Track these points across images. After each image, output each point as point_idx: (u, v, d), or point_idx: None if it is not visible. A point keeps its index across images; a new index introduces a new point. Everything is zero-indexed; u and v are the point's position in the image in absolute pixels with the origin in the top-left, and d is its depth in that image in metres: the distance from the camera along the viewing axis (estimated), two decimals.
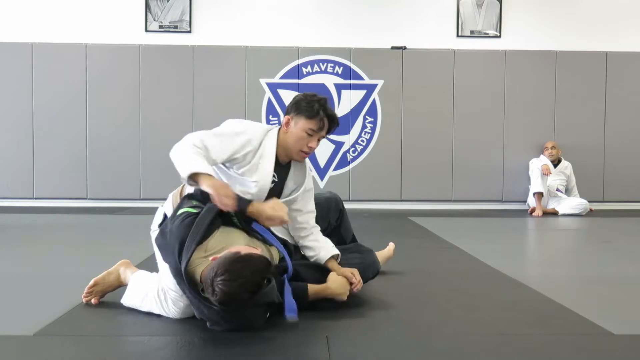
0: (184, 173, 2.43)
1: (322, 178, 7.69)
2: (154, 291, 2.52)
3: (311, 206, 2.84)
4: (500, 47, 7.81)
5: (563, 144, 7.63)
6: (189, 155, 2.48)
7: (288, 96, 7.67)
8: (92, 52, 7.58)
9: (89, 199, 7.60)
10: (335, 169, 7.70)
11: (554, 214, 7.18)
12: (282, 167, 2.75)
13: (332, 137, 7.68)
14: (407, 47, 7.75)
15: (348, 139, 7.70)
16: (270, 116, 7.67)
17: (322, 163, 7.69)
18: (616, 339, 2.27)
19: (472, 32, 7.87)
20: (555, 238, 5.55)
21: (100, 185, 7.60)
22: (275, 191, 2.73)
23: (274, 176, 2.70)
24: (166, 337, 2.28)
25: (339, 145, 7.70)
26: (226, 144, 2.59)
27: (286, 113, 2.74)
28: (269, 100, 7.67)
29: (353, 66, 7.72)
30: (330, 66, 7.71)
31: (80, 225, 5.87)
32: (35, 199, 7.58)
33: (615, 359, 2.11)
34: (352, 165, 7.71)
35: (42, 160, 7.57)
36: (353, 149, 7.70)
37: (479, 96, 7.76)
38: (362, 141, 7.71)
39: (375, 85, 7.72)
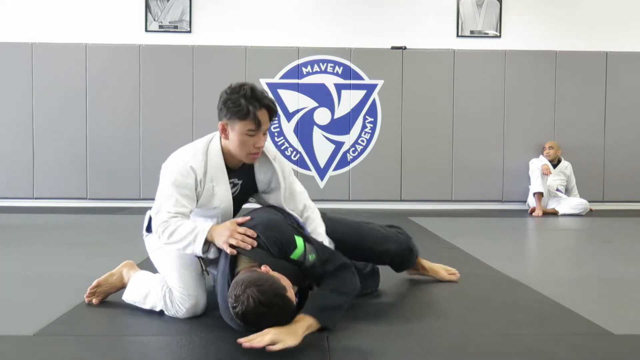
0: (198, 249, 2.37)
1: (322, 178, 7.69)
2: (158, 288, 2.52)
3: (296, 187, 2.68)
4: (500, 47, 7.81)
5: (563, 144, 7.63)
6: (181, 231, 2.38)
7: (288, 96, 7.67)
8: (92, 52, 7.58)
9: (89, 199, 7.60)
10: (335, 169, 7.70)
11: (554, 214, 7.18)
12: (240, 168, 2.58)
13: (332, 137, 7.68)
14: (407, 47, 7.75)
15: (348, 139, 7.70)
16: None
17: (322, 163, 7.69)
18: (616, 339, 2.27)
19: (472, 32, 7.86)
20: (555, 238, 5.55)
21: (100, 185, 7.60)
22: (248, 191, 2.64)
23: (234, 182, 2.56)
24: (167, 337, 2.28)
25: (339, 145, 7.70)
26: (186, 191, 2.44)
27: (219, 118, 2.48)
28: None
29: (353, 66, 7.72)
30: (330, 66, 7.71)
31: (80, 225, 5.87)
32: (35, 199, 7.58)
33: (615, 359, 2.11)
34: (352, 165, 7.71)
35: (42, 160, 7.57)
36: (353, 149, 7.70)
37: (479, 96, 7.76)
38: (362, 141, 7.70)
39: (375, 85, 7.72)
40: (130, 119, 7.60)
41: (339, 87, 7.70)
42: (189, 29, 7.72)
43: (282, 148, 7.67)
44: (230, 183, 2.54)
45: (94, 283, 2.73)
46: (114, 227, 5.76)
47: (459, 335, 2.28)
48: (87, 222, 6.07)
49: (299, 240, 2.28)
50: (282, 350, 2.03)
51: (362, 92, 7.72)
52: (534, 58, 7.79)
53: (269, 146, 2.59)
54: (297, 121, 7.68)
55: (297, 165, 7.67)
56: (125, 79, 7.59)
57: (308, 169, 7.68)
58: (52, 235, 5.17)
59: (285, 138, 7.67)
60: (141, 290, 2.59)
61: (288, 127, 7.67)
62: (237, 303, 2.01)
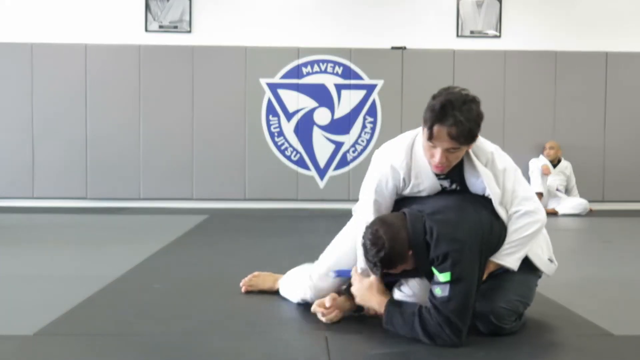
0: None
1: (322, 178, 7.69)
2: (305, 277, 2.61)
3: (518, 193, 2.31)
4: (500, 47, 7.81)
5: (563, 144, 7.63)
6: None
7: (288, 96, 7.67)
8: (92, 52, 7.58)
9: (88, 199, 7.60)
10: (336, 168, 7.70)
11: (554, 214, 7.17)
12: (453, 169, 2.31)
13: (332, 137, 7.68)
14: (407, 47, 7.74)
15: (348, 139, 7.70)
16: (270, 116, 7.67)
17: (322, 163, 7.69)
18: (616, 340, 2.27)
19: (472, 32, 7.86)
20: (555, 238, 5.51)
21: (100, 185, 7.60)
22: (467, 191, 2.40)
23: (446, 184, 2.36)
24: (167, 336, 2.28)
25: (339, 145, 7.70)
26: (385, 192, 2.37)
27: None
28: (269, 101, 7.67)
29: (353, 66, 7.72)
30: (330, 66, 7.70)
31: (80, 225, 5.86)
32: (35, 198, 7.57)
33: (615, 359, 2.11)
34: (352, 165, 7.70)
35: (42, 160, 7.57)
36: (353, 149, 7.70)
37: (479, 96, 7.72)
38: (362, 141, 7.70)
39: (375, 86, 7.72)
40: (130, 119, 7.59)
41: (339, 87, 7.70)
42: (189, 29, 7.72)
43: (282, 148, 7.67)
44: (443, 180, 2.35)
45: (255, 272, 2.90)
46: (114, 227, 5.76)
47: None
48: (87, 222, 6.07)
49: (446, 276, 2.13)
50: (283, 346, 2.02)
51: (362, 92, 7.72)
52: (534, 58, 7.79)
53: (484, 147, 2.32)
54: (297, 121, 7.68)
55: (297, 165, 7.67)
56: (125, 79, 7.58)
57: (308, 169, 7.68)
58: (52, 235, 5.17)
59: (285, 138, 7.67)
60: (290, 283, 2.69)
61: (288, 127, 7.67)
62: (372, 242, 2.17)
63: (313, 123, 7.69)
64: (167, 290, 3.04)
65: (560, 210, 7.17)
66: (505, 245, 2.25)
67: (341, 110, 7.69)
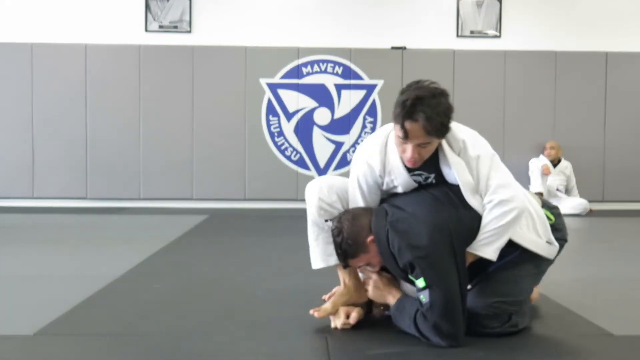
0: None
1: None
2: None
3: (492, 182, 2.25)
4: (500, 47, 7.81)
5: (563, 144, 7.62)
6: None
7: (288, 96, 7.67)
8: (92, 52, 7.58)
9: (89, 199, 7.60)
10: (336, 168, 7.70)
11: None
12: (426, 162, 2.29)
13: (332, 137, 7.68)
14: (407, 47, 7.74)
15: (348, 139, 7.70)
16: (270, 116, 7.67)
17: (322, 163, 7.69)
18: (616, 339, 2.27)
19: (472, 32, 7.86)
20: None
21: (100, 185, 7.60)
22: (444, 182, 2.36)
23: (423, 175, 2.33)
24: (167, 336, 2.28)
25: (339, 145, 7.70)
26: (365, 188, 2.38)
27: None
28: (269, 101, 7.67)
29: (353, 66, 7.72)
30: (330, 66, 7.70)
31: (80, 225, 5.87)
32: (35, 198, 7.57)
33: (615, 359, 2.11)
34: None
35: (42, 160, 7.57)
36: (353, 149, 7.69)
37: (479, 96, 7.76)
38: (362, 141, 7.69)
39: (375, 86, 7.72)
40: (130, 119, 7.59)
41: (339, 87, 7.70)
42: (189, 29, 7.72)
43: (282, 148, 7.67)
44: (417, 175, 2.33)
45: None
46: (114, 227, 5.76)
47: None
48: (87, 222, 6.08)
49: (421, 282, 2.14)
50: (283, 346, 2.02)
51: (362, 92, 7.72)
52: (534, 58, 7.78)
53: (456, 135, 2.27)
54: (297, 121, 7.68)
55: (297, 165, 7.67)
56: (125, 79, 7.58)
57: (308, 169, 7.68)
58: (52, 235, 5.17)
59: (285, 138, 7.67)
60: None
61: (288, 127, 7.67)
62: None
63: (313, 123, 7.69)
64: (167, 290, 3.04)
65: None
66: (481, 236, 2.21)
67: (341, 110, 7.69)
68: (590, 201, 7.30)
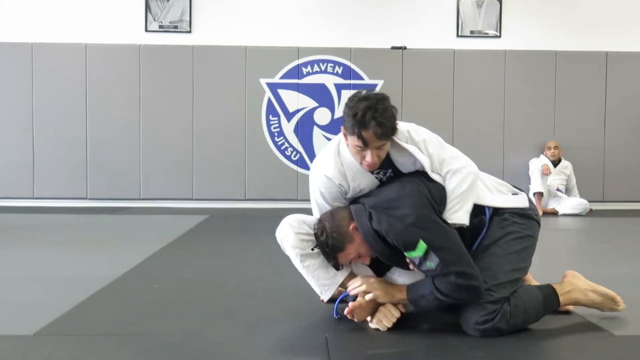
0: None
1: None
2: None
3: (445, 156, 2.46)
4: (500, 47, 7.81)
5: (563, 144, 7.62)
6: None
7: (288, 96, 7.67)
8: (92, 52, 7.58)
9: (89, 199, 7.60)
10: None
11: (554, 214, 7.17)
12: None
13: (332, 137, 7.62)
14: (407, 47, 7.75)
15: None
16: (270, 116, 7.67)
17: None
18: (616, 339, 2.27)
19: (472, 32, 7.86)
20: (555, 238, 5.54)
21: (100, 185, 7.60)
22: (402, 174, 2.51)
23: (382, 172, 2.47)
24: (167, 336, 2.28)
25: None
26: (330, 199, 2.49)
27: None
28: (269, 100, 7.68)
29: (353, 66, 7.72)
30: (330, 66, 7.71)
31: (81, 225, 5.87)
32: (35, 199, 7.57)
33: (615, 359, 2.11)
34: None
35: (42, 160, 7.57)
36: None
37: (479, 96, 7.76)
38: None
39: (375, 86, 7.72)
40: (130, 119, 7.59)
41: (339, 87, 7.70)
42: (189, 29, 7.72)
43: (282, 148, 7.67)
44: (377, 174, 2.48)
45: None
46: (114, 227, 5.77)
47: (459, 334, 2.28)
48: (87, 222, 6.07)
49: (421, 247, 2.20)
50: (283, 346, 2.02)
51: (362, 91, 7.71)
52: (534, 58, 7.79)
53: (400, 129, 2.45)
54: (297, 121, 7.68)
55: (297, 165, 7.67)
56: (125, 79, 7.59)
57: (308, 169, 7.68)
58: (52, 235, 5.17)
59: (285, 138, 7.67)
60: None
61: (288, 127, 7.67)
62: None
63: (313, 123, 7.69)
64: (167, 290, 3.04)
65: (561, 210, 7.17)
66: (449, 205, 2.36)
67: (341, 110, 7.67)
68: (590, 201, 7.30)
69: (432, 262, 2.17)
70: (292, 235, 2.50)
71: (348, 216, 2.35)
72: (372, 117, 2.29)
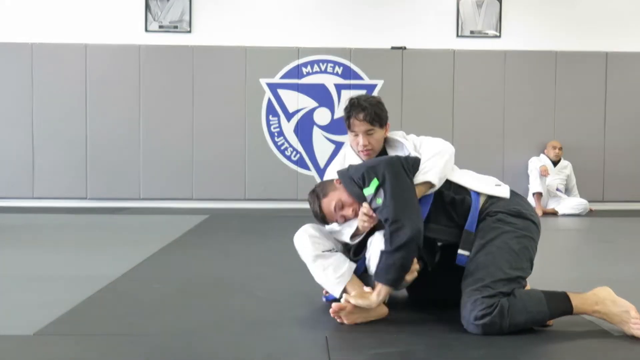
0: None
1: (322, 178, 7.65)
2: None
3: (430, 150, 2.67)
4: (500, 47, 7.81)
5: (563, 144, 7.62)
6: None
7: (288, 96, 7.67)
8: (92, 52, 7.58)
9: (89, 199, 7.60)
10: None
11: (554, 214, 7.17)
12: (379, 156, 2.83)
13: (332, 137, 7.68)
14: (407, 47, 7.75)
15: (348, 139, 7.68)
16: (270, 116, 7.67)
17: (322, 163, 7.68)
18: (616, 339, 2.27)
19: (472, 32, 7.86)
20: (555, 238, 5.54)
21: (100, 185, 7.60)
22: None
23: None
24: (167, 336, 2.28)
25: (339, 145, 7.69)
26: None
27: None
28: (269, 100, 7.68)
29: (353, 66, 7.72)
30: (330, 66, 7.71)
31: (80, 225, 5.87)
32: (35, 198, 7.57)
33: (615, 359, 2.11)
34: None
35: (42, 160, 7.57)
36: None
37: (479, 96, 7.76)
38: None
39: (375, 86, 7.72)
40: (130, 119, 7.59)
41: (339, 87, 7.70)
42: (189, 29, 7.72)
43: (282, 148, 7.67)
44: None
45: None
46: (114, 227, 5.77)
47: (459, 335, 2.28)
48: (87, 222, 6.07)
49: (374, 183, 2.41)
50: (283, 346, 2.02)
51: (362, 92, 7.71)
52: (534, 58, 7.79)
53: (395, 135, 2.81)
54: (297, 121, 7.68)
55: (297, 165, 7.67)
56: (125, 79, 7.59)
57: (308, 169, 7.68)
58: (52, 235, 5.17)
59: (285, 138, 7.68)
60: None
61: (288, 127, 7.67)
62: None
63: (313, 123, 7.69)
64: (167, 290, 3.04)
65: (560, 210, 7.17)
66: (421, 167, 2.54)
67: (341, 110, 7.66)
68: (590, 201, 7.30)
69: (381, 197, 2.38)
70: (307, 240, 2.62)
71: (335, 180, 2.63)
72: (357, 104, 2.72)
